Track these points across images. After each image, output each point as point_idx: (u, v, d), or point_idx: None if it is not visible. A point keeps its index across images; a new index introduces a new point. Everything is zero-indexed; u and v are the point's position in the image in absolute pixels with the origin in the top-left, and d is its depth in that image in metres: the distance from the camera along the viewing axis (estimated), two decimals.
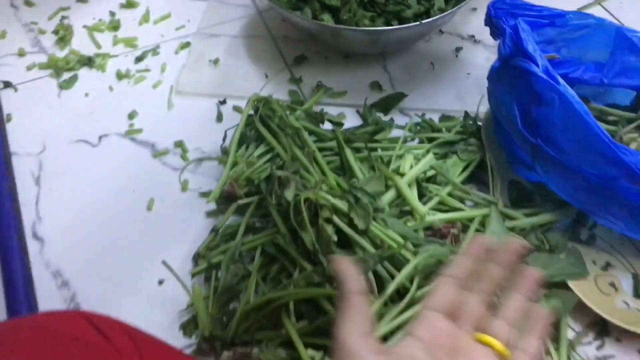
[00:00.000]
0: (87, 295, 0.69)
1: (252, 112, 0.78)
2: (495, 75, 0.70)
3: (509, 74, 0.67)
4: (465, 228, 0.66)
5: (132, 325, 0.49)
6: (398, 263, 0.59)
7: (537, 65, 0.62)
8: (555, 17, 0.72)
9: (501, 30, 0.67)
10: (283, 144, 0.72)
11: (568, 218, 0.69)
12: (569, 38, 0.75)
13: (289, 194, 0.59)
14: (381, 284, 0.57)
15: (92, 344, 0.43)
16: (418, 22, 0.78)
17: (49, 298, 0.68)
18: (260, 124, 0.75)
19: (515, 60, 0.65)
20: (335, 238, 0.57)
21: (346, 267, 0.44)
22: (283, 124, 0.74)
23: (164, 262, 0.65)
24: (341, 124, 0.82)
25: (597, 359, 0.62)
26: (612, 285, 0.66)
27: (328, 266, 0.55)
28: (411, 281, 0.56)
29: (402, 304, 0.53)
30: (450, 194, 0.69)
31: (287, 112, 0.77)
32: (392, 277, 0.57)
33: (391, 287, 0.54)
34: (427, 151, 0.72)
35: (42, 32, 0.99)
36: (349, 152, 0.70)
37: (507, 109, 0.67)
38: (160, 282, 0.69)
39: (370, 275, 0.56)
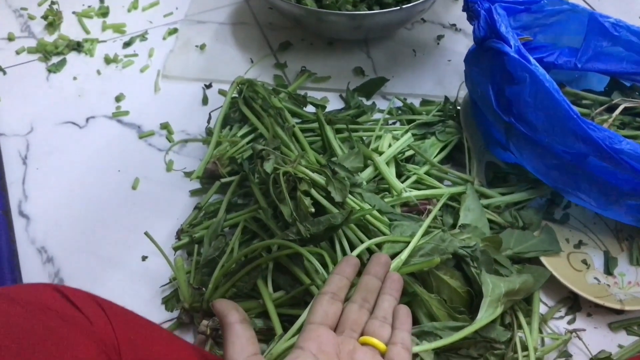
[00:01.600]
0: (72, 270, 0.70)
1: (236, 94, 0.80)
2: (471, 57, 0.72)
3: (483, 55, 0.69)
4: (442, 206, 0.68)
5: (104, 299, 0.50)
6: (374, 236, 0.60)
7: (510, 46, 0.64)
8: (531, 3, 0.74)
9: (476, 13, 0.69)
10: (265, 124, 0.74)
11: (542, 197, 0.71)
12: (544, 24, 0.76)
13: (269, 167, 0.61)
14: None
15: (62, 312, 0.44)
16: (399, 7, 0.80)
17: (33, 273, 0.70)
18: (244, 105, 0.77)
19: (489, 42, 0.66)
20: (312, 210, 0.59)
21: (224, 304, 0.50)
22: (266, 105, 0.76)
23: (146, 233, 0.66)
24: (324, 107, 0.83)
25: (567, 332, 0.64)
26: (584, 262, 0.68)
27: (304, 231, 0.57)
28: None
29: None
30: (427, 173, 0.71)
31: (271, 95, 0.78)
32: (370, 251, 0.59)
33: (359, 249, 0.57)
34: (406, 131, 0.74)
35: (31, 17, 1.00)
36: (329, 130, 0.72)
37: (483, 90, 0.69)
38: (144, 258, 0.70)
39: None
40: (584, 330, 0.64)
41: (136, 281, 0.69)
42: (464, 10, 0.74)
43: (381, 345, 0.49)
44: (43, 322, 0.43)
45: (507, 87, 0.65)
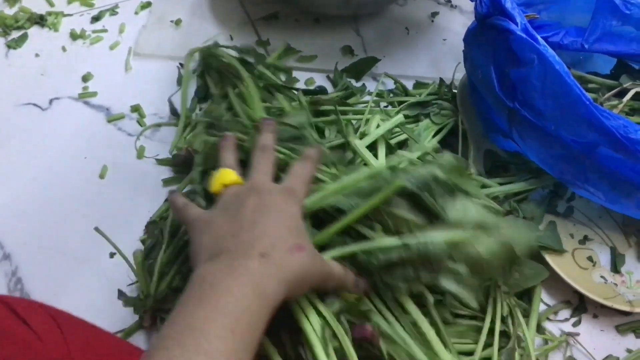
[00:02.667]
0: (32, 269, 0.64)
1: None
2: (472, 36, 0.66)
3: (485, 34, 0.63)
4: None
5: (58, 309, 0.44)
6: None
7: (516, 24, 0.58)
8: None
9: None
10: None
11: (544, 188, 0.66)
12: (549, 0, 0.71)
13: None
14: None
15: (8, 330, 0.39)
16: None
17: None
18: (214, 77, 0.71)
19: (493, 20, 0.60)
20: None
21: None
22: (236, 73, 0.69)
23: (97, 228, 0.61)
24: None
25: (563, 334, 0.59)
26: (590, 259, 0.63)
27: None
28: None
29: None
30: (420, 159, 0.65)
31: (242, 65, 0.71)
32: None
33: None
34: (398, 112, 0.68)
35: None
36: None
37: (484, 72, 0.63)
38: (112, 255, 0.64)
39: None
40: (579, 334, 0.60)
41: (103, 280, 0.63)
42: None
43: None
44: None
45: (512, 70, 0.59)
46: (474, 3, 0.65)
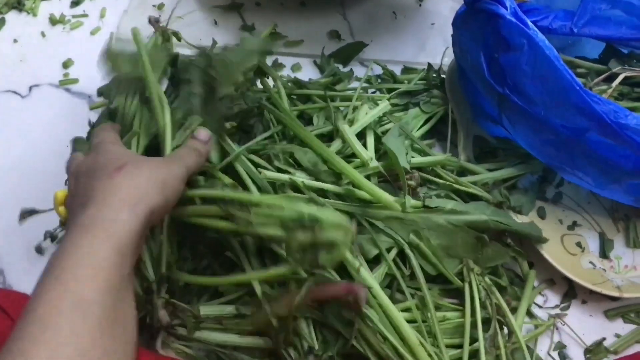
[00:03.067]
0: (13, 261, 0.63)
1: None
2: (460, 20, 0.65)
3: (475, 18, 0.62)
4: (424, 181, 0.62)
5: None
6: None
7: (505, 8, 0.57)
8: None
9: None
10: None
11: (533, 174, 0.65)
12: None
13: None
14: None
15: None
16: None
17: None
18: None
19: (482, 3, 0.59)
20: None
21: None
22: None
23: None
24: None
25: (550, 317, 0.59)
26: (579, 245, 0.63)
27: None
28: None
29: None
30: (411, 148, 0.64)
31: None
32: None
33: None
34: (387, 100, 0.67)
35: None
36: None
37: (473, 57, 0.62)
38: None
39: None
40: (566, 314, 0.60)
41: None
42: None
43: None
44: None
45: (502, 54, 0.58)
46: None
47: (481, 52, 0.61)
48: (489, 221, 0.56)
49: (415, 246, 0.55)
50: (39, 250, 0.63)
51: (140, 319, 0.55)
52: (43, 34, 0.82)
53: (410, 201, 0.55)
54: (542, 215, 0.64)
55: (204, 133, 0.53)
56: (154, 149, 0.55)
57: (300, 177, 0.57)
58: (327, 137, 0.64)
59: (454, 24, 0.67)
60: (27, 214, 0.64)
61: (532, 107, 0.57)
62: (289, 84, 0.72)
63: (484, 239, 0.55)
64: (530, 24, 0.56)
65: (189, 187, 0.50)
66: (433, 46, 0.81)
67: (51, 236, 0.62)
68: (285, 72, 0.78)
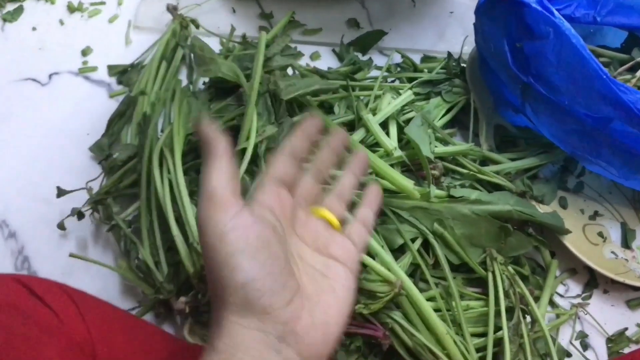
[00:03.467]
0: (37, 246, 0.63)
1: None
2: (484, 9, 0.64)
3: (499, 6, 0.61)
4: (447, 171, 0.62)
5: (73, 288, 0.43)
6: None
7: None
8: None
9: None
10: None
11: (554, 164, 0.65)
12: None
13: None
14: None
15: (28, 310, 0.38)
16: None
17: None
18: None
19: None
20: None
21: (208, 129, 0.40)
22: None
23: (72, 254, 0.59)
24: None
25: (573, 306, 0.60)
26: (600, 234, 0.63)
27: None
28: None
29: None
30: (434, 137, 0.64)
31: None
32: None
33: None
34: (408, 89, 0.67)
35: None
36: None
37: (496, 46, 0.62)
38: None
39: None
40: (588, 304, 0.60)
41: (110, 258, 0.62)
42: None
43: (334, 221, 0.45)
44: (4, 323, 0.37)
45: (526, 43, 0.58)
46: None
47: (505, 40, 0.60)
48: (512, 211, 0.56)
49: (440, 235, 0.55)
50: (62, 226, 0.63)
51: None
52: (61, 22, 0.81)
53: (435, 191, 0.55)
54: (563, 205, 0.64)
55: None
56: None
57: None
58: (349, 126, 0.64)
59: (476, 12, 0.66)
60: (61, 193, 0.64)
61: (557, 96, 0.57)
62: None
63: (508, 228, 0.55)
64: (555, 12, 0.56)
65: None
66: (452, 35, 0.81)
67: (78, 213, 0.62)
68: (304, 61, 0.78)
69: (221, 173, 0.38)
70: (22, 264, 0.62)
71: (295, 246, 0.41)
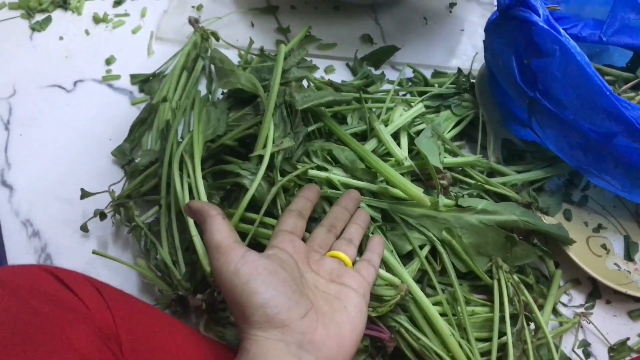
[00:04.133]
0: (59, 245, 0.66)
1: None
2: (493, 26, 0.67)
3: (507, 25, 0.64)
4: (455, 181, 0.64)
5: (99, 280, 0.46)
6: None
7: (538, 15, 0.59)
8: None
9: None
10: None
11: (560, 177, 0.67)
12: None
13: None
14: None
15: (57, 298, 0.40)
16: None
17: (18, 248, 0.65)
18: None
19: (515, 11, 0.61)
20: None
21: (201, 202, 0.49)
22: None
23: (95, 251, 0.60)
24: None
25: (576, 315, 0.61)
26: (604, 247, 0.65)
27: None
28: None
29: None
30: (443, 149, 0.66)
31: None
32: None
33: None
34: (419, 102, 0.69)
35: None
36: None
37: (505, 62, 0.64)
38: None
39: None
40: (592, 313, 0.62)
41: (130, 257, 0.64)
42: None
43: (347, 259, 0.51)
44: (34, 307, 0.39)
45: (533, 60, 0.60)
46: None
47: (513, 57, 0.63)
48: (518, 221, 0.58)
49: (447, 243, 0.57)
50: (84, 228, 0.66)
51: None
52: (87, 32, 0.85)
53: (443, 200, 0.57)
54: (568, 217, 0.66)
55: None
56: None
57: (337, 175, 0.59)
58: (361, 136, 0.67)
59: (486, 29, 0.69)
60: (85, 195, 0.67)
61: (562, 111, 0.59)
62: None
63: (514, 238, 0.57)
64: (562, 31, 0.58)
65: None
66: (463, 51, 0.84)
67: (101, 214, 0.65)
68: (319, 74, 0.81)
69: (220, 229, 0.45)
70: (44, 261, 0.64)
71: (310, 278, 0.47)
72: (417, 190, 0.55)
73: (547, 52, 0.58)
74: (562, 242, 0.62)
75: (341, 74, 0.81)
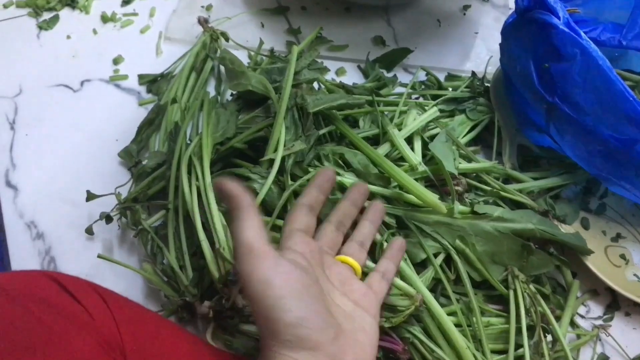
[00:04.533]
0: (64, 248, 0.64)
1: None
2: (510, 29, 0.66)
3: (525, 28, 0.62)
4: (470, 187, 0.62)
5: (103, 287, 0.44)
6: None
7: (558, 18, 0.58)
8: None
9: None
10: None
11: (577, 184, 0.65)
12: None
13: None
14: None
15: (59, 305, 0.39)
16: None
17: (22, 250, 0.64)
18: None
19: (534, 13, 0.60)
20: None
21: (234, 184, 0.43)
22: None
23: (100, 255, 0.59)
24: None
25: (595, 327, 0.59)
26: (623, 257, 0.63)
27: None
28: None
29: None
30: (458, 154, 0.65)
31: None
32: None
33: None
34: (433, 106, 0.68)
35: None
36: None
37: (522, 66, 0.63)
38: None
39: None
40: (610, 326, 0.60)
41: (135, 261, 0.63)
42: None
43: (357, 266, 0.49)
44: (37, 316, 0.37)
45: (553, 64, 0.58)
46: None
47: (531, 61, 0.61)
48: (535, 230, 0.56)
49: (462, 251, 0.55)
50: (89, 231, 0.64)
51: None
52: (95, 31, 0.84)
53: (459, 206, 0.55)
54: (585, 225, 0.65)
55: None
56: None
57: (349, 179, 0.58)
58: (373, 140, 0.65)
59: (503, 33, 0.67)
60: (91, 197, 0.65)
61: (582, 117, 0.57)
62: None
63: (530, 247, 0.55)
64: (583, 34, 0.56)
65: None
66: (477, 54, 0.82)
67: (107, 217, 0.63)
68: (330, 76, 0.79)
69: (252, 225, 0.41)
70: (48, 264, 0.63)
71: (325, 286, 0.44)
72: (433, 197, 0.54)
73: (567, 56, 0.56)
74: (580, 252, 0.60)
75: (352, 76, 0.80)
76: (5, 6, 0.86)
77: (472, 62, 0.81)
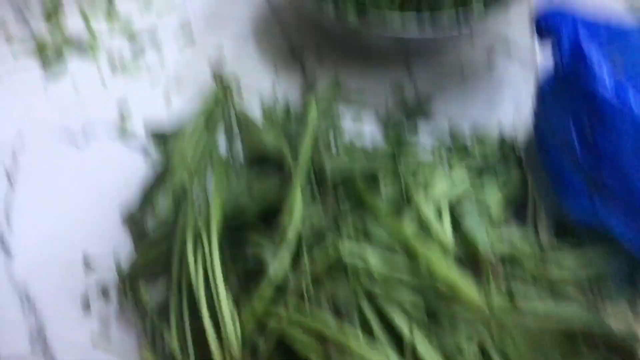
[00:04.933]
0: (58, 325, 0.59)
1: None
2: (546, 96, 0.60)
3: (565, 90, 0.57)
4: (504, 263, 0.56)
5: None
6: None
7: (605, 86, 0.52)
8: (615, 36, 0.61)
9: (555, 33, 0.57)
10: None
11: (625, 269, 0.59)
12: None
13: None
14: None
15: None
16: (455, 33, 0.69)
17: (12, 327, 0.59)
18: None
19: (576, 78, 0.55)
20: None
21: None
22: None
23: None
24: None
25: None
26: None
27: None
28: None
29: None
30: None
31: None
32: None
33: None
34: (461, 168, 0.63)
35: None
36: None
37: (562, 135, 0.57)
38: None
39: None
40: None
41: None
42: (537, 31, 0.62)
43: None
44: None
45: (599, 138, 0.53)
46: (544, 55, 0.60)
47: (573, 130, 0.56)
48: (583, 325, 0.51)
49: (500, 350, 0.49)
50: (86, 305, 0.60)
51: None
52: (103, 82, 0.79)
53: (499, 300, 0.50)
54: (635, 310, 0.58)
55: None
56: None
57: (373, 258, 0.52)
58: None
59: (537, 96, 0.62)
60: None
61: (635, 197, 0.51)
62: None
63: (577, 345, 0.49)
64: (635, 104, 0.51)
65: None
66: (500, 104, 0.77)
67: (104, 293, 0.59)
68: (346, 123, 0.74)
69: None
70: (41, 344, 0.58)
71: None
72: (474, 294, 0.48)
73: (618, 132, 0.50)
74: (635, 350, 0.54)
75: (370, 124, 0.74)
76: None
77: (499, 112, 0.76)
